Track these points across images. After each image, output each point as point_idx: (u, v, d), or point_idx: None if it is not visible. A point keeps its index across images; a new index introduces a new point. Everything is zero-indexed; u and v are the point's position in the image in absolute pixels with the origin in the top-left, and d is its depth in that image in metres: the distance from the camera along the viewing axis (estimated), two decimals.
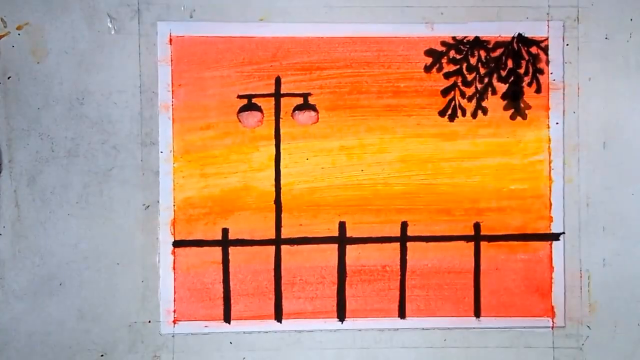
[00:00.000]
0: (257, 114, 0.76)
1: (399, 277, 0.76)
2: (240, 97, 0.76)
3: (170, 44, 0.75)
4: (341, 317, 0.76)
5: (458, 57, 0.76)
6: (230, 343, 0.76)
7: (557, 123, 0.77)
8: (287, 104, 0.76)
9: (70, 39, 0.74)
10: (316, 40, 0.76)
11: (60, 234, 0.74)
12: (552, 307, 0.77)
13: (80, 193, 0.74)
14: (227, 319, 0.76)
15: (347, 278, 0.76)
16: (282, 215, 0.76)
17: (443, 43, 0.76)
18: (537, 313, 0.77)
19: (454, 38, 0.76)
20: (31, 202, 0.74)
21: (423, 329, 0.77)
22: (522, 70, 0.77)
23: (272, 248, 0.76)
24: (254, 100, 0.76)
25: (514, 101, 0.77)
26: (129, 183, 0.74)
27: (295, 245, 0.76)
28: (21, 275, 0.74)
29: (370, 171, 0.76)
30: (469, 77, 0.76)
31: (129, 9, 0.74)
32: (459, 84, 0.76)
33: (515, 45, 0.77)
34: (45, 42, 0.74)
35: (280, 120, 0.76)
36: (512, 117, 0.77)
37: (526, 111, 0.77)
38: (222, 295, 0.76)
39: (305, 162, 0.76)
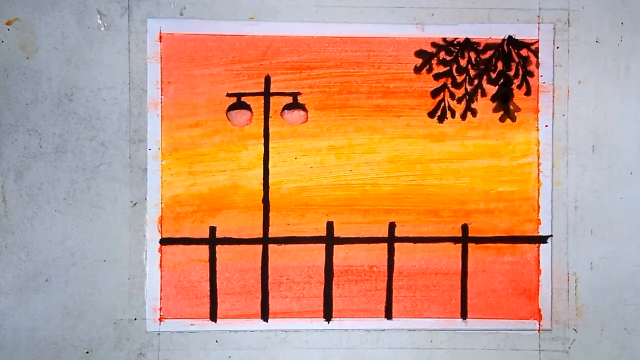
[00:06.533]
0: (246, 112, 0.76)
1: (386, 278, 0.76)
2: (229, 95, 0.75)
3: (160, 41, 0.75)
4: (328, 317, 0.76)
5: (448, 58, 0.76)
6: (216, 341, 0.75)
7: (546, 126, 0.77)
8: (277, 102, 0.76)
9: (59, 34, 0.74)
10: (306, 39, 0.76)
11: (47, 230, 0.74)
12: (539, 309, 0.77)
13: (68, 189, 0.74)
14: (213, 317, 0.75)
15: (334, 278, 0.76)
16: (270, 214, 0.76)
17: (433, 44, 0.76)
18: (524, 316, 0.77)
19: (444, 39, 0.76)
20: (18, 198, 0.74)
21: (409, 329, 0.77)
22: (512, 73, 0.77)
23: (260, 247, 0.76)
24: (243, 99, 0.76)
25: (504, 103, 0.77)
26: (116, 180, 0.74)
27: (283, 245, 0.76)
28: (7, 271, 0.74)
29: (358, 171, 0.76)
30: (459, 79, 0.76)
31: (119, 6, 0.74)
32: (449, 85, 0.76)
33: (505, 47, 0.77)
34: (35, 37, 0.74)
35: (270, 119, 0.76)
36: (502, 119, 0.77)
37: (515, 113, 0.77)
38: (208, 294, 0.75)
39: (294, 161, 0.76)
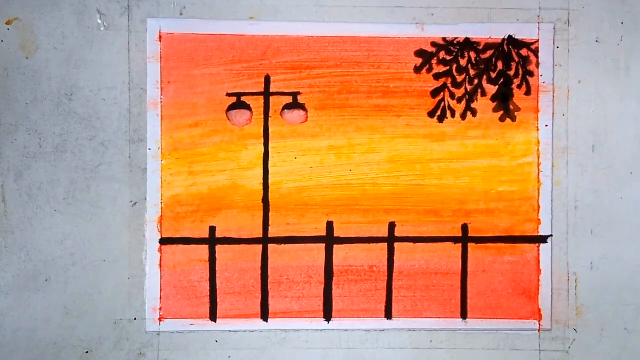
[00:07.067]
0: (246, 112, 0.76)
1: (386, 278, 0.76)
2: (229, 95, 0.75)
3: (160, 41, 0.75)
4: (328, 317, 0.76)
5: (448, 58, 0.76)
6: (216, 342, 0.75)
7: (546, 125, 0.77)
8: (277, 102, 0.76)
9: (59, 34, 0.74)
10: (306, 39, 0.76)
11: (47, 230, 0.74)
12: (539, 309, 0.77)
13: (68, 189, 0.74)
14: (213, 317, 0.75)
15: (334, 278, 0.76)
16: (270, 214, 0.76)
17: (433, 44, 0.76)
18: (524, 315, 0.77)
19: (444, 39, 0.76)
20: (18, 197, 0.74)
21: (409, 329, 0.77)
22: (512, 72, 0.77)
23: (259, 247, 0.76)
24: (243, 99, 0.76)
25: (504, 103, 0.77)
26: (116, 180, 0.74)
27: (283, 245, 0.76)
28: (7, 271, 0.74)
29: (358, 171, 0.76)
30: (459, 79, 0.76)
31: (119, 6, 0.74)
32: (449, 85, 0.76)
33: (505, 47, 0.76)
34: (35, 37, 0.74)
35: (270, 119, 0.76)
36: (502, 119, 0.77)
37: (515, 113, 0.77)
38: (208, 294, 0.75)
39: (294, 161, 0.76)
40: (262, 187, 0.76)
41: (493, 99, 0.77)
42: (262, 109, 0.76)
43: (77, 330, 0.74)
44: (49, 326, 0.74)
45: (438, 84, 0.76)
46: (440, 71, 0.76)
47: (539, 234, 0.77)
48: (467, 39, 0.76)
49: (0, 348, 0.74)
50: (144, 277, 0.75)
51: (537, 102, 0.77)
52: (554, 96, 0.77)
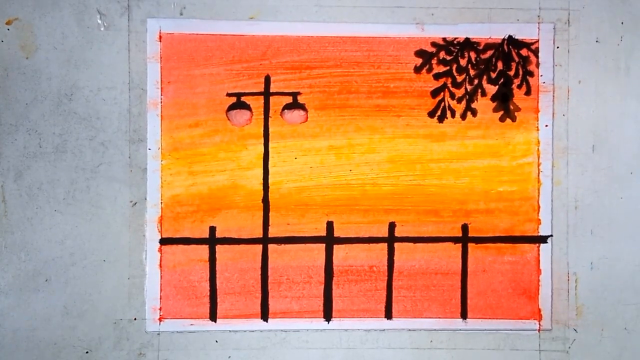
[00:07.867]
0: (246, 112, 0.76)
1: (386, 278, 0.76)
2: (229, 95, 0.75)
3: (160, 41, 0.75)
4: (327, 317, 0.76)
5: (448, 58, 0.76)
6: (216, 341, 0.75)
7: (546, 125, 0.77)
8: (277, 102, 0.76)
9: (59, 34, 0.74)
10: (306, 39, 0.76)
11: (47, 230, 0.74)
12: (539, 309, 0.77)
13: (68, 189, 0.74)
14: (213, 317, 0.75)
15: (334, 278, 0.76)
16: (270, 214, 0.76)
17: (433, 44, 0.76)
18: (524, 315, 0.77)
19: (444, 39, 0.76)
20: (18, 197, 0.74)
21: (409, 329, 0.77)
22: (512, 72, 0.77)
23: (259, 247, 0.76)
24: (243, 99, 0.76)
25: (504, 103, 0.77)
26: (116, 180, 0.74)
27: (283, 245, 0.76)
28: (7, 271, 0.74)
29: (358, 171, 0.76)
30: (459, 79, 0.76)
31: (119, 6, 0.74)
32: (449, 85, 0.76)
33: (505, 47, 0.76)
34: (35, 37, 0.74)
35: (269, 119, 0.76)
36: (502, 119, 0.77)
37: (515, 113, 0.77)
38: (208, 294, 0.75)
39: (294, 161, 0.76)
40: (262, 187, 0.76)
41: (493, 99, 0.77)
42: (262, 109, 0.76)
43: (77, 330, 0.74)
44: (49, 326, 0.74)
45: (438, 84, 0.76)
46: (440, 71, 0.76)
47: (539, 234, 0.77)
48: (467, 39, 0.76)
49: (0, 348, 0.74)
50: (144, 277, 0.75)
51: (537, 102, 0.77)
52: (554, 96, 0.77)
